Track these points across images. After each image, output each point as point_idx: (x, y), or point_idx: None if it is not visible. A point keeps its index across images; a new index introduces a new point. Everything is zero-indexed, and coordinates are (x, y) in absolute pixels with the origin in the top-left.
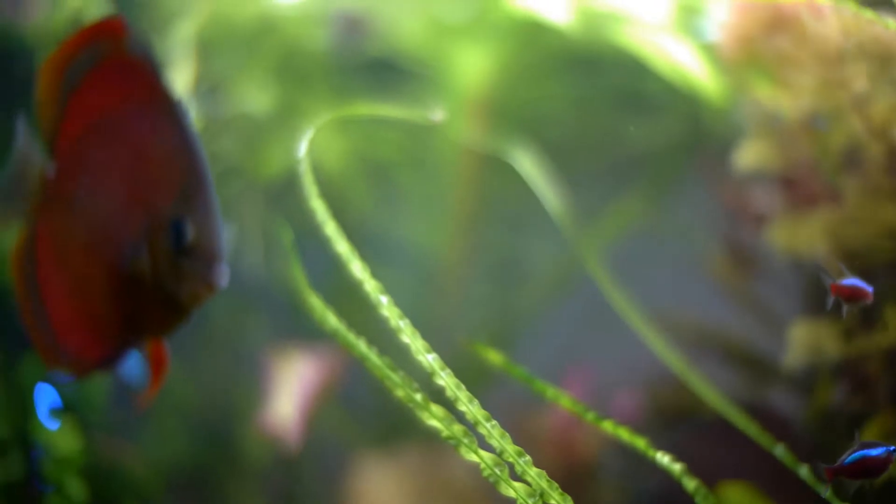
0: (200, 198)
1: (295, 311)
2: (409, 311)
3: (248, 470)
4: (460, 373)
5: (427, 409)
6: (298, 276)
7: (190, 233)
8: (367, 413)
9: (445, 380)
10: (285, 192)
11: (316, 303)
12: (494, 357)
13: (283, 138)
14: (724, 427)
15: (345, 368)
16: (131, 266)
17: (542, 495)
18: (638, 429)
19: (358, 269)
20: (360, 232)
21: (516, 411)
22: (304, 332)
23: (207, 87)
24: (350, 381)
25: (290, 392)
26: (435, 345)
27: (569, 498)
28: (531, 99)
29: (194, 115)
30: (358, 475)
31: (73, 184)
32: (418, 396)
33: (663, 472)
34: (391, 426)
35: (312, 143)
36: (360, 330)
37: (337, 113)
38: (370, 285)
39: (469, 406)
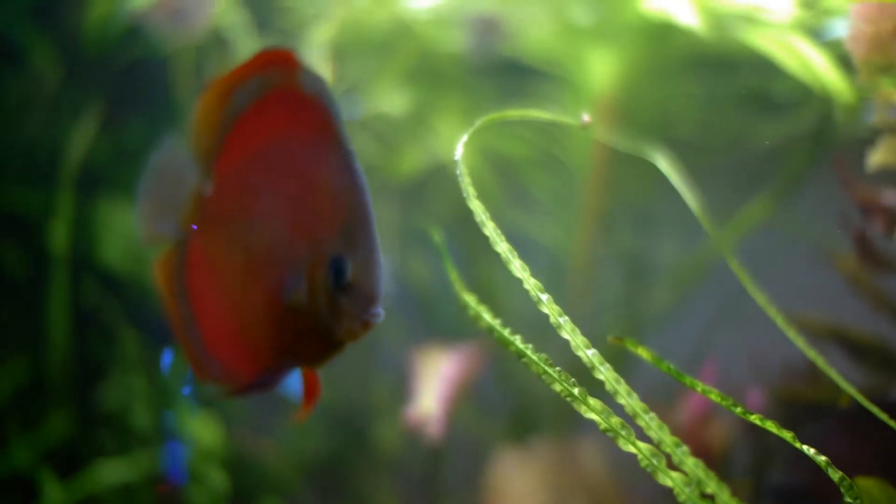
0: (362, 238)
1: (427, 309)
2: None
3: (384, 463)
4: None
5: (585, 402)
6: (452, 275)
7: (350, 272)
8: (497, 409)
9: (605, 374)
10: (418, 191)
11: (470, 300)
12: (644, 353)
13: (417, 138)
14: (853, 422)
15: (483, 366)
16: (291, 298)
17: (698, 484)
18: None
19: (518, 268)
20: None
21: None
22: (438, 330)
23: (344, 88)
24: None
25: (433, 387)
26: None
27: (725, 487)
28: (660, 98)
29: None
30: (495, 469)
31: (232, 206)
32: (576, 391)
33: (787, 469)
34: (522, 422)
35: (445, 141)
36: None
37: (489, 117)
38: (530, 284)
39: (628, 399)
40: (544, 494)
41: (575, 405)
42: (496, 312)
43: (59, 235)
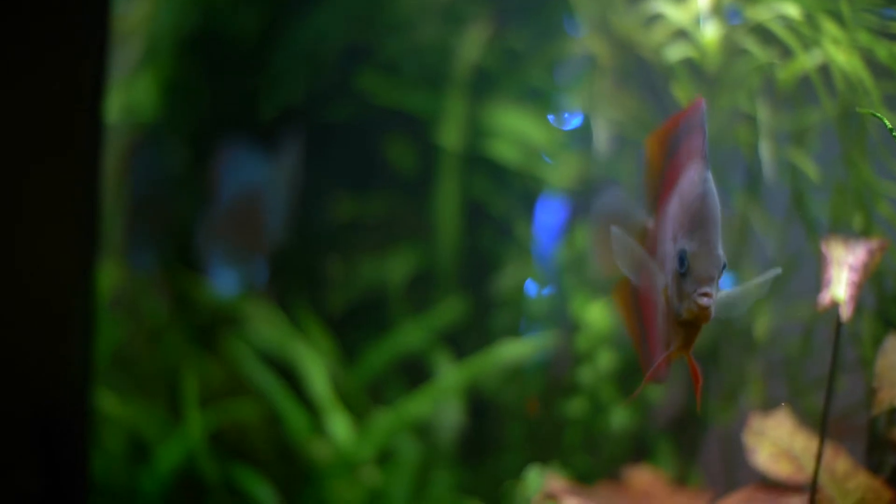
0: (700, 233)
1: (797, 200)
2: None
3: (752, 346)
4: None
5: None
6: None
7: (688, 260)
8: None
9: None
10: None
11: None
12: None
13: (808, 43)
14: None
15: (883, 254)
16: (665, 292)
17: None
18: None
19: None
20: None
21: None
22: (804, 219)
23: None
24: None
25: (843, 274)
26: None
27: None
28: None
29: None
30: (886, 354)
31: (660, 233)
32: None
33: None
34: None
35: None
36: None
37: None
38: None
39: None
40: None
41: None
42: (871, 207)
43: (450, 133)
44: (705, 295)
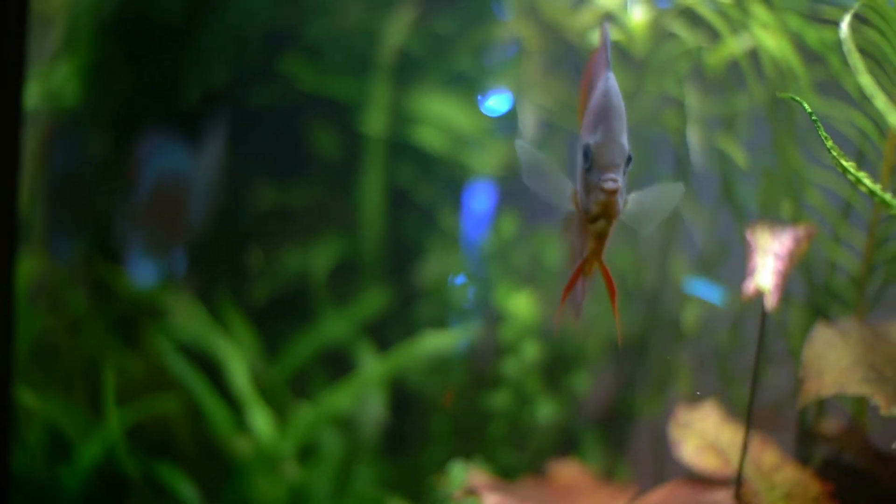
0: (603, 126)
1: (726, 187)
2: None
3: (681, 337)
4: None
5: None
6: (828, 143)
7: (591, 152)
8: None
9: None
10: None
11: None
12: None
13: (737, 26)
14: None
15: (810, 242)
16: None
17: None
18: None
19: None
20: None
21: None
22: (733, 206)
23: None
24: None
25: (768, 263)
26: None
27: None
28: None
29: None
30: (812, 346)
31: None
32: None
33: None
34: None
35: (758, 27)
36: None
37: None
38: None
39: None
40: (861, 370)
41: None
42: (800, 194)
43: (375, 119)
44: (611, 181)
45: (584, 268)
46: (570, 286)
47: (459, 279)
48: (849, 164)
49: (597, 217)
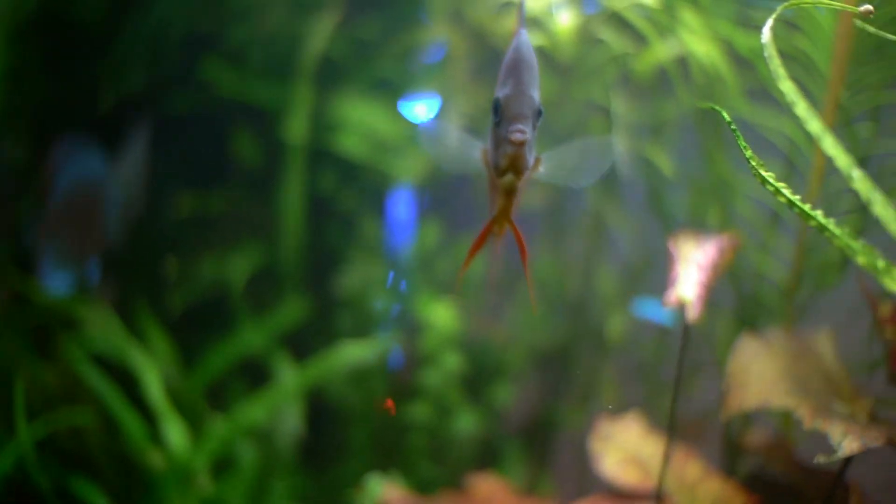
0: (513, 79)
1: (657, 199)
2: None
3: (607, 350)
4: None
5: (889, 274)
6: (747, 153)
7: (501, 105)
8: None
9: None
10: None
11: (770, 178)
12: None
13: (665, 31)
14: None
15: (734, 252)
16: (484, 155)
17: None
18: None
19: (831, 145)
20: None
21: None
22: (661, 215)
23: None
24: None
25: (691, 273)
26: None
27: None
28: None
29: None
30: (736, 357)
31: None
32: (880, 263)
33: None
34: (745, 315)
35: (687, 33)
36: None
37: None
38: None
39: None
40: (785, 382)
41: (879, 277)
42: (728, 203)
43: (296, 126)
44: (518, 132)
45: (492, 226)
46: (479, 244)
47: (381, 287)
48: (768, 175)
49: (505, 171)
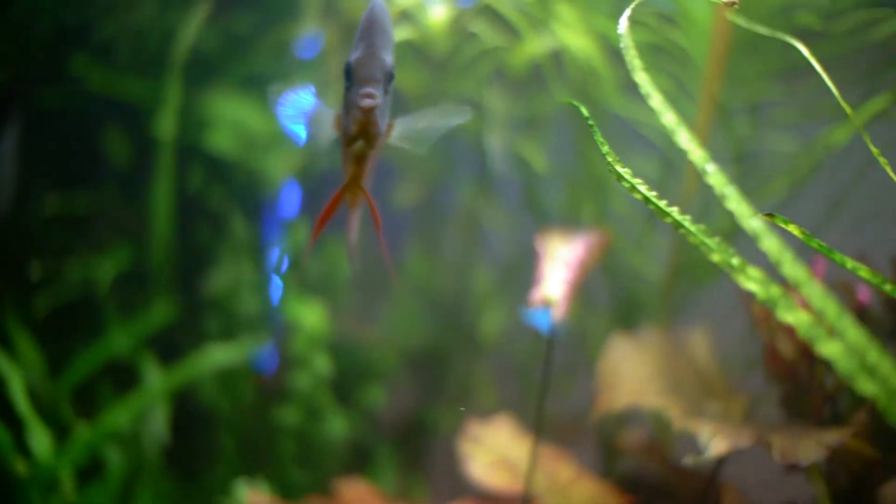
0: (365, 42)
1: (532, 197)
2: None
3: (483, 351)
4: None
5: (745, 272)
6: (604, 148)
7: (352, 70)
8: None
9: (768, 245)
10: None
11: (626, 175)
12: (794, 229)
13: (539, 25)
14: None
15: (604, 250)
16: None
17: (860, 354)
18: None
19: (685, 139)
20: (607, 116)
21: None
22: (536, 212)
23: None
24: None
25: (557, 271)
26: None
27: (886, 357)
28: None
29: None
30: (608, 356)
31: None
32: (735, 261)
33: None
34: (625, 313)
35: (562, 27)
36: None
37: None
38: (697, 155)
39: (793, 268)
40: (657, 381)
41: (733, 275)
42: (604, 200)
43: (165, 122)
44: (367, 96)
45: (342, 194)
46: (329, 213)
47: (251, 288)
48: (624, 171)
49: (356, 137)
